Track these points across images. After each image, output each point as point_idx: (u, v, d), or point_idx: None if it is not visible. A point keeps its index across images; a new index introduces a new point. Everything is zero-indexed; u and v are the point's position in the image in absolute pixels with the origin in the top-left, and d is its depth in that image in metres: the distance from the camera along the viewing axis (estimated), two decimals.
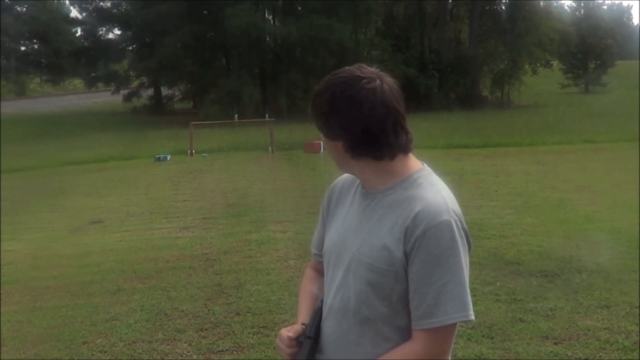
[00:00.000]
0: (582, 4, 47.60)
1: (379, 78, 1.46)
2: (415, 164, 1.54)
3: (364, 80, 1.44)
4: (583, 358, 3.70)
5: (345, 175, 1.68)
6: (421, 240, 1.41)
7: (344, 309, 1.51)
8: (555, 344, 3.90)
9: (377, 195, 1.52)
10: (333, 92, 1.46)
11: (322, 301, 1.60)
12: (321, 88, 1.49)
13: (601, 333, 4.02)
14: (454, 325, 1.44)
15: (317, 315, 1.58)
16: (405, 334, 1.47)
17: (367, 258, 1.46)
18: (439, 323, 1.42)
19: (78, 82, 56.10)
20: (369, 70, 1.48)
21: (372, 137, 1.46)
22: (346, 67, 1.49)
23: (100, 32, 42.73)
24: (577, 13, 47.96)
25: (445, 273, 1.41)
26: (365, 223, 1.51)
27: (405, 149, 1.50)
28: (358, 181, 1.61)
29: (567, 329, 4.11)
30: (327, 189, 1.72)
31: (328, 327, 1.55)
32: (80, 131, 26.62)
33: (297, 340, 1.56)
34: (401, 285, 1.44)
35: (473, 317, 1.44)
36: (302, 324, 1.59)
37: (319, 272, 1.75)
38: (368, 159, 1.49)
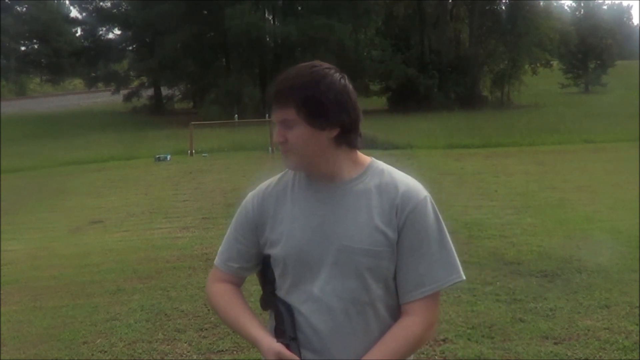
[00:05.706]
0: (582, 4, 47.55)
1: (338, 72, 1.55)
2: (363, 156, 1.62)
3: (341, 74, 1.54)
4: (583, 358, 3.70)
5: (264, 185, 1.66)
6: (413, 215, 1.51)
7: (339, 301, 1.51)
8: (555, 344, 3.90)
9: (344, 186, 1.55)
10: (331, 81, 1.50)
11: (285, 303, 1.56)
12: (309, 78, 1.50)
13: (601, 333, 4.02)
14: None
15: (292, 316, 1.54)
16: (395, 312, 1.56)
17: (361, 245, 1.50)
18: (433, 289, 1.51)
19: (78, 82, 56.09)
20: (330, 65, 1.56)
21: (356, 126, 1.55)
22: (307, 63, 1.54)
23: (100, 32, 42.73)
24: (577, 13, 47.89)
25: (435, 243, 1.52)
26: (339, 214, 1.53)
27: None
28: (288, 182, 1.61)
29: (567, 329, 4.11)
30: (245, 204, 1.67)
31: (318, 323, 1.52)
32: (80, 131, 26.58)
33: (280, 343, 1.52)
34: (394, 263, 1.53)
35: (464, 277, 1.55)
36: (279, 327, 1.55)
37: (236, 284, 1.72)
38: (347, 148, 1.56)
